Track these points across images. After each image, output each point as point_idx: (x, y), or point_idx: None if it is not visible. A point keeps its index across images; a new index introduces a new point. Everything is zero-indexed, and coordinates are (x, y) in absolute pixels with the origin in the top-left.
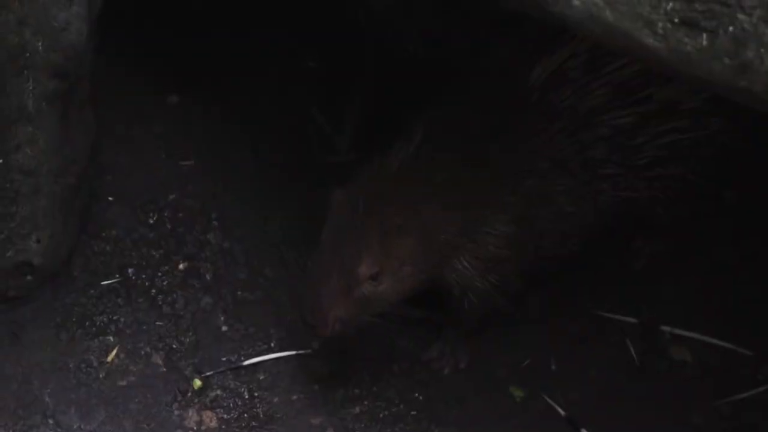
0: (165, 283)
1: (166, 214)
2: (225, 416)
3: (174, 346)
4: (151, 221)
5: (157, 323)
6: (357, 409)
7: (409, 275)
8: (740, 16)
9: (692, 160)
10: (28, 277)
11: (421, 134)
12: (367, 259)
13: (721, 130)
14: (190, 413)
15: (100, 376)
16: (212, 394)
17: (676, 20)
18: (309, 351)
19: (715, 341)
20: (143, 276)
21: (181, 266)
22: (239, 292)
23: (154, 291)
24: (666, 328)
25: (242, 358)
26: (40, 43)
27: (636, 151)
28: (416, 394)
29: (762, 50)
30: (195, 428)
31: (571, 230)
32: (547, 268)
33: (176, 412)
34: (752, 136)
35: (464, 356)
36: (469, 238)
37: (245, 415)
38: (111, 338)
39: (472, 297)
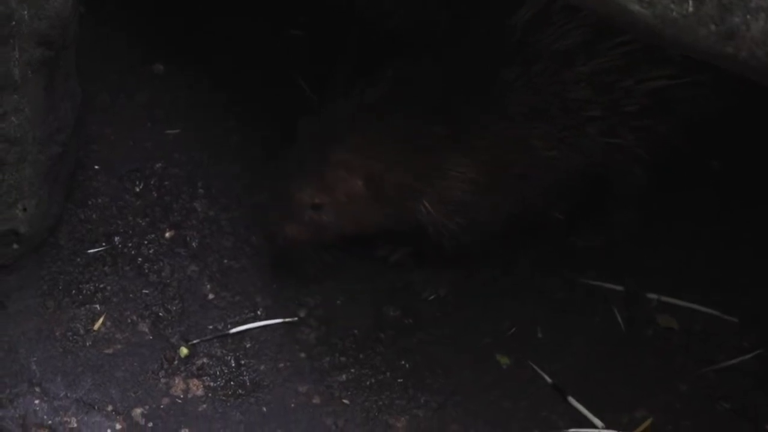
0: (151, 251)
1: (152, 183)
2: (211, 384)
3: (160, 314)
4: (138, 189)
5: (144, 291)
6: (343, 377)
7: (361, 213)
8: None
9: (680, 115)
10: (15, 246)
11: (389, 80)
12: (307, 188)
13: (709, 83)
14: (177, 381)
15: (87, 344)
16: (199, 362)
17: None
18: (295, 319)
19: (701, 308)
20: (129, 244)
21: (167, 234)
22: (225, 260)
23: (140, 259)
24: (653, 296)
25: (229, 326)
26: (26, 12)
27: (624, 95)
28: (402, 362)
29: (748, 16)
30: (181, 396)
31: (552, 177)
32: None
33: (163, 380)
34: (741, 96)
35: (445, 284)
36: (427, 182)
37: (231, 383)
38: (97, 306)
39: (446, 235)
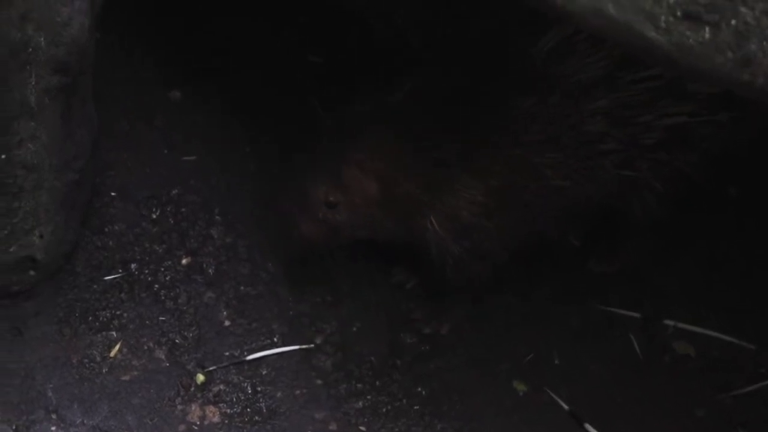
0: (168, 278)
1: (168, 210)
2: (228, 411)
3: (177, 341)
4: (154, 216)
5: (160, 318)
6: (360, 404)
7: (372, 216)
8: (743, 9)
9: (699, 149)
10: (31, 273)
11: (408, 88)
12: (323, 185)
13: (729, 122)
14: (193, 408)
15: (103, 371)
16: (215, 389)
17: (679, 14)
18: (312, 346)
19: (718, 335)
20: (146, 271)
21: (183, 261)
22: (242, 287)
23: (156, 286)
24: (669, 323)
25: (245, 353)
26: (42, 39)
27: (642, 130)
28: (419, 389)
29: (764, 43)
30: (198, 423)
31: (563, 206)
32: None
33: (179, 407)
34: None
35: (448, 320)
36: (436, 197)
37: (248, 409)
38: (114, 333)
39: (449, 260)
